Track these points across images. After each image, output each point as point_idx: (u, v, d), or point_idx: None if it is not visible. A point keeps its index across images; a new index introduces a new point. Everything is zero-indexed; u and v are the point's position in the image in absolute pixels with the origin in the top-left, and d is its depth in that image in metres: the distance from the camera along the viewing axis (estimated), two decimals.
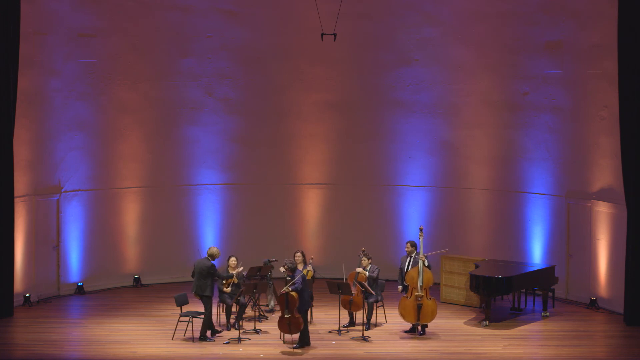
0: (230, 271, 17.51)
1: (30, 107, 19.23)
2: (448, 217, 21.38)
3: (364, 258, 17.80)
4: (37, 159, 19.53)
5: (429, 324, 17.62)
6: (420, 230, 17.66)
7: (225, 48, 21.24)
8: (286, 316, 16.50)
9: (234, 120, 21.49)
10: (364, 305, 17.73)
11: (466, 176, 21.22)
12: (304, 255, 18.30)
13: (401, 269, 17.76)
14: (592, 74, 19.27)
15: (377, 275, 17.80)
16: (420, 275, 17.23)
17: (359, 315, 18.14)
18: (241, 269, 17.55)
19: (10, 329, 17.79)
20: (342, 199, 21.78)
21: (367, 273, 17.73)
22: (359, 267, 17.80)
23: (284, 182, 21.75)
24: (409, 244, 17.82)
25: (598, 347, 17.06)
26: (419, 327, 17.45)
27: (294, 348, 16.58)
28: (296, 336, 16.86)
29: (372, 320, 18.06)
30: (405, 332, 17.58)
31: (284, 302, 16.50)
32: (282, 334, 16.84)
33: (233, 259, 17.62)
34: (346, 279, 17.71)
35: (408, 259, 17.74)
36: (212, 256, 17.19)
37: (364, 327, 17.49)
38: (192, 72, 21.13)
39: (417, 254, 17.62)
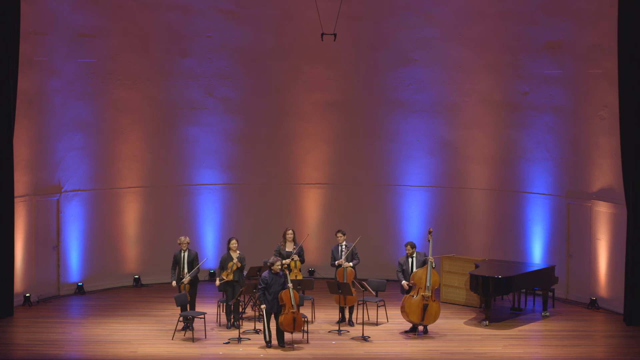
0: (232, 254, 17.59)
1: (30, 107, 19.24)
2: (448, 217, 21.38)
3: (339, 234, 18.06)
4: (37, 159, 19.52)
5: (429, 324, 17.70)
6: (429, 232, 17.70)
7: (225, 48, 21.25)
8: (292, 311, 16.50)
9: (234, 120, 21.49)
10: (363, 303, 17.79)
11: (466, 176, 21.22)
12: (294, 234, 18.52)
13: (404, 270, 17.64)
14: (592, 74, 19.27)
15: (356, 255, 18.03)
16: (428, 276, 17.26)
17: (356, 313, 18.18)
18: (236, 261, 17.59)
19: (10, 329, 17.79)
20: (342, 199, 21.78)
21: (350, 264, 17.76)
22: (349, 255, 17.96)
23: (284, 182, 21.76)
24: (409, 245, 17.78)
25: (598, 347, 17.06)
26: (421, 327, 17.44)
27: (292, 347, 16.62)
28: (297, 335, 16.89)
29: (373, 319, 18.08)
30: (406, 332, 17.58)
31: (289, 298, 16.50)
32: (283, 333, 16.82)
33: (234, 241, 17.66)
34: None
35: (409, 259, 17.69)
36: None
37: (360, 325, 17.52)
38: (192, 72, 21.13)
39: (422, 254, 17.62)
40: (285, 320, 16.51)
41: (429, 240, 17.57)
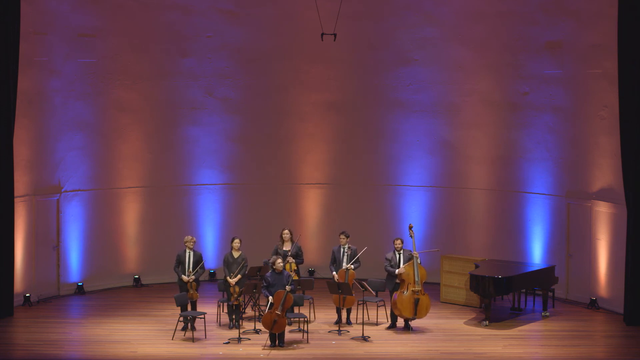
0: (234, 253, 17.63)
1: (30, 107, 19.24)
2: (448, 217, 21.38)
3: (342, 236, 18.08)
4: (37, 159, 19.52)
5: (427, 322, 17.72)
6: (410, 228, 17.93)
7: (225, 48, 21.25)
8: (277, 312, 16.48)
9: (234, 120, 21.50)
10: (363, 303, 17.84)
11: (466, 176, 21.22)
12: (291, 233, 18.53)
13: (392, 266, 17.74)
14: (592, 74, 19.27)
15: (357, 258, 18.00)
16: (416, 271, 17.40)
17: (353, 313, 18.19)
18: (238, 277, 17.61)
19: (10, 329, 17.79)
20: (342, 199, 21.78)
21: (352, 267, 17.79)
22: (344, 246, 18.03)
23: (284, 182, 21.76)
24: (400, 240, 17.86)
25: (598, 347, 17.06)
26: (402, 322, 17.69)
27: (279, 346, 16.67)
28: (297, 335, 16.88)
29: (373, 319, 18.10)
30: (387, 328, 17.78)
31: (281, 299, 16.51)
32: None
33: (237, 240, 17.73)
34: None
35: (398, 255, 17.78)
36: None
37: (360, 325, 17.51)
38: (192, 72, 21.13)
39: (407, 251, 17.74)
40: (266, 318, 16.49)
41: (410, 236, 17.81)
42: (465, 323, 18.31)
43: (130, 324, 18.06)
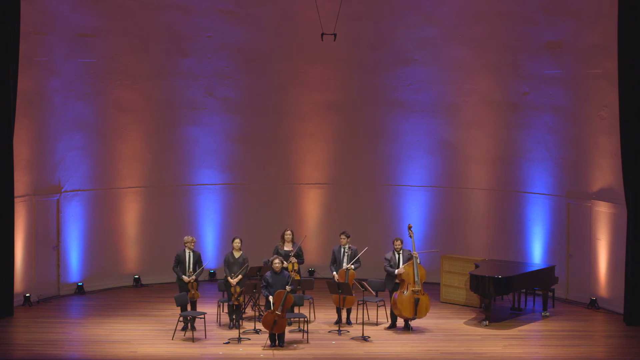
0: (235, 253, 17.65)
1: (30, 107, 19.24)
2: (448, 217, 21.38)
3: (343, 237, 18.08)
4: (37, 159, 19.52)
5: (427, 322, 17.73)
6: (409, 228, 17.94)
7: (225, 48, 21.25)
8: (277, 312, 16.48)
9: (234, 120, 21.50)
10: (363, 303, 17.84)
11: (466, 176, 21.22)
12: (293, 234, 18.53)
13: (391, 266, 17.74)
14: (592, 74, 19.27)
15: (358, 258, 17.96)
16: (415, 271, 17.43)
17: (353, 313, 18.19)
18: (238, 278, 17.60)
19: (10, 329, 17.79)
20: (342, 199, 21.78)
21: (352, 267, 17.79)
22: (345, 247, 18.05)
23: (284, 182, 21.76)
24: (399, 240, 17.86)
25: (598, 347, 17.06)
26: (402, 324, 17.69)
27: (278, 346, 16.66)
28: (297, 335, 16.87)
29: (373, 319, 18.09)
30: (387, 328, 17.79)
31: (282, 299, 16.50)
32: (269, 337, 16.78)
33: (237, 240, 17.76)
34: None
35: (397, 255, 17.78)
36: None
37: (360, 325, 17.52)
38: (192, 72, 21.13)
39: (407, 251, 17.74)
40: (266, 318, 16.49)
41: (410, 237, 17.86)
42: (465, 323, 18.31)
43: (130, 324, 18.06)
